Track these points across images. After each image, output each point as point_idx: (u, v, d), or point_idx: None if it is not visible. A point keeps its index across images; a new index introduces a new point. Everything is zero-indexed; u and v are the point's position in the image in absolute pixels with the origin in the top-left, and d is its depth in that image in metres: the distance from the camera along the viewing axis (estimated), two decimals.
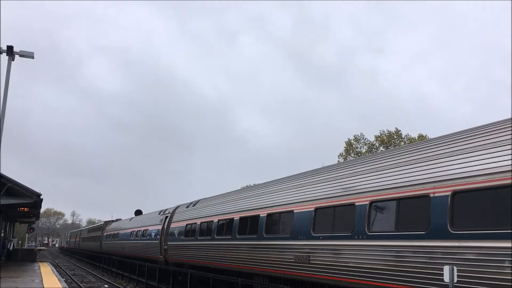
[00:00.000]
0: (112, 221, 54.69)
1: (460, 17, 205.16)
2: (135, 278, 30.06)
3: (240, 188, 32.48)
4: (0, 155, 21.16)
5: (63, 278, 28.93)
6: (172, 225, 26.40)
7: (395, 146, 55.27)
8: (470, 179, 7.97)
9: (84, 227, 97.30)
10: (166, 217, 28.51)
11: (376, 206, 10.15)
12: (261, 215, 15.40)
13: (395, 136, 60.21)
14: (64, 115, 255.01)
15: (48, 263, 42.67)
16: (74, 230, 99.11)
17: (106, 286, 30.07)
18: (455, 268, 7.17)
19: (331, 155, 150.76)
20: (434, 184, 8.68)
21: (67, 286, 22.59)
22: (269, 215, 14.91)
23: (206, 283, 17.98)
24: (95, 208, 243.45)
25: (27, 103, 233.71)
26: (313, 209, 12.38)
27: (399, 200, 9.48)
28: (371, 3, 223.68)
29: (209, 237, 20.09)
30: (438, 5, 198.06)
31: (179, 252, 24.48)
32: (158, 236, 29.12)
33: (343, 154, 63.26)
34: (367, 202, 10.30)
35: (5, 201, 25.30)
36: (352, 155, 61.50)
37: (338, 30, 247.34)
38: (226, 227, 18.39)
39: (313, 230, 12.22)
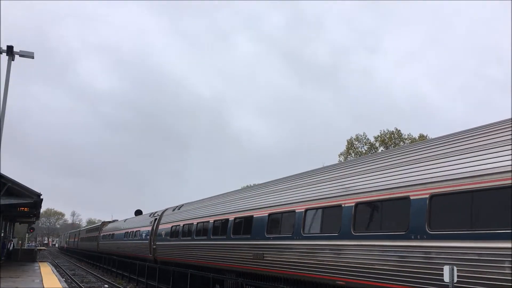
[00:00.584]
0: (109, 222, 58.84)
1: (454, 16, 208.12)
2: (135, 278, 31.21)
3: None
4: (0, 155, 21.91)
5: (63, 278, 29.99)
6: (160, 227, 29.83)
7: (396, 146, 57.59)
8: (366, 194, 11.02)
9: (84, 227, 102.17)
10: (155, 219, 31.98)
11: (309, 213, 13.28)
12: (230, 219, 18.66)
13: (396, 136, 62.22)
14: (62, 115, 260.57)
15: (48, 263, 44.16)
16: (73, 231, 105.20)
17: (106, 286, 31.04)
18: (455, 268, 7.91)
19: (329, 154, 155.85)
20: (345, 197, 11.71)
21: (67, 286, 23.41)
22: (235, 218, 18.18)
23: (186, 280, 20.83)
24: (95, 208, 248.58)
25: (24, 103, 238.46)
26: (267, 214, 15.61)
27: (323, 208, 12.58)
28: (364, 3, 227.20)
29: (189, 238, 23.44)
30: (431, 4, 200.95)
31: (166, 251, 27.92)
32: (148, 237, 32.77)
33: (344, 153, 65.47)
34: (303, 210, 13.42)
35: (5, 201, 25.92)
36: (352, 154, 63.71)
37: (331, 30, 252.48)
38: (203, 229, 21.68)
39: (267, 231, 15.40)
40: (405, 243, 9.39)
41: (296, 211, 13.75)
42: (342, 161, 54.84)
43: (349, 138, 67.04)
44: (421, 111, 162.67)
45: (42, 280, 24.02)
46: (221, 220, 19.61)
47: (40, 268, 34.02)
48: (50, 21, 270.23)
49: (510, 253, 7.30)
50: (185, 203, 28.26)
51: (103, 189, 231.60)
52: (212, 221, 20.63)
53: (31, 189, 27.27)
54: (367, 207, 10.90)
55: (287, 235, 13.99)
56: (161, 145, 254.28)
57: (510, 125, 8.47)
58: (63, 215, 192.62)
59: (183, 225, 24.87)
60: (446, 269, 7.93)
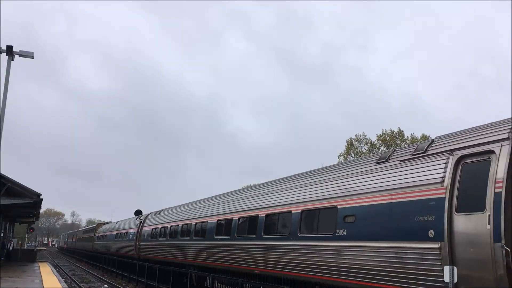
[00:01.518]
0: (103, 223, 68.28)
1: (447, 15, 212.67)
2: (135, 278, 33.89)
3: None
4: (0, 155, 23.63)
5: (62, 278, 31.90)
6: (144, 229, 37.09)
7: (397, 146, 60.71)
8: (271, 208, 17.06)
9: (81, 228, 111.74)
10: (140, 222, 39.22)
11: (240, 220, 19.47)
12: (192, 223, 25.09)
13: (397, 136, 65.46)
14: (58, 114, 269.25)
15: (48, 263, 47.23)
16: (71, 231, 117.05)
17: (106, 286, 33.25)
18: (455, 268, 8.96)
19: (326, 151, 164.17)
20: (260, 210, 17.90)
21: (66, 286, 25.06)
22: (196, 223, 24.55)
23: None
24: (95, 208, 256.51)
25: (17, 102, 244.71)
26: (216, 220, 21.93)
27: (249, 217, 18.85)
28: (356, 2, 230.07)
29: (165, 239, 30.12)
30: (424, 4, 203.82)
31: (148, 250, 34.73)
32: (134, 237, 39.94)
33: (344, 153, 68.93)
34: (237, 218, 19.67)
35: (5, 201, 27.43)
36: (352, 155, 67.10)
37: (322, 28, 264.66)
38: (174, 231, 28.22)
39: (215, 234, 21.55)
40: (287, 243, 15.19)
41: (233, 218, 20.10)
42: (342, 161, 58.48)
43: (348, 138, 70.15)
44: (415, 109, 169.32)
45: (42, 280, 25.70)
46: (187, 224, 26.06)
47: (40, 268, 36.19)
48: (39, 18, 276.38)
49: (333, 248, 13.02)
50: (164, 209, 35.13)
51: (103, 189, 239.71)
52: (181, 225, 27.20)
53: (31, 189, 28.82)
54: (272, 217, 16.83)
55: (227, 237, 20.21)
56: (158, 145, 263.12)
57: (334, 169, 14.76)
58: (63, 215, 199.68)
59: (161, 227, 31.73)
60: (446, 269, 8.98)
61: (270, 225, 16.79)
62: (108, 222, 66.09)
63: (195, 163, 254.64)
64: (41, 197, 30.17)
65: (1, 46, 24.73)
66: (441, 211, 9.75)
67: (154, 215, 36.51)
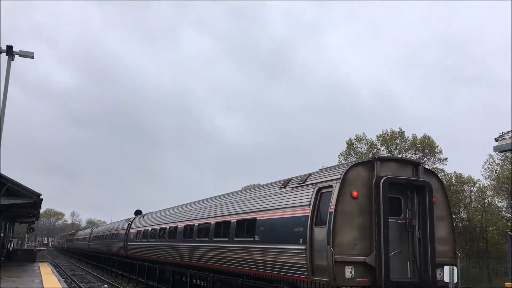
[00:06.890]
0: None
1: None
2: (135, 278, 33.45)
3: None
4: (0, 155, 22.71)
5: (62, 278, 31.27)
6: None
7: (397, 146, 58.25)
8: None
9: (68, 232, 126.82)
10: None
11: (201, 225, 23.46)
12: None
13: (397, 135, 62.16)
14: (28, 113, 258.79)
15: (48, 263, 46.36)
16: (63, 234, 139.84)
17: (106, 286, 32.79)
18: (455, 268, 8.84)
19: (304, 148, 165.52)
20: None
21: (66, 286, 24.68)
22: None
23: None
24: (95, 208, 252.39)
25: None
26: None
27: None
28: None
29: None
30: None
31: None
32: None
33: (344, 154, 65.33)
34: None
35: (5, 201, 26.62)
36: (353, 155, 63.75)
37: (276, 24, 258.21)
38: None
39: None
40: (226, 245, 18.76)
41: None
42: (342, 161, 55.72)
43: (348, 139, 66.68)
44: (385, 105, 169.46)
45: (42, 280, 25.16)
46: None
47: (39, 268, 35.61)
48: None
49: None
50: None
51: (104, 189, 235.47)
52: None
53: (31, 189, 28.12)
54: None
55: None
56: (136, 144, 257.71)
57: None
58: (62, 215, 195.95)
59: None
60: (446, 269, 8.69)
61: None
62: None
63: (176, 162, 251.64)
64: (41, 197, 29.24)
65: (1, 46, 24.04)
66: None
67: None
